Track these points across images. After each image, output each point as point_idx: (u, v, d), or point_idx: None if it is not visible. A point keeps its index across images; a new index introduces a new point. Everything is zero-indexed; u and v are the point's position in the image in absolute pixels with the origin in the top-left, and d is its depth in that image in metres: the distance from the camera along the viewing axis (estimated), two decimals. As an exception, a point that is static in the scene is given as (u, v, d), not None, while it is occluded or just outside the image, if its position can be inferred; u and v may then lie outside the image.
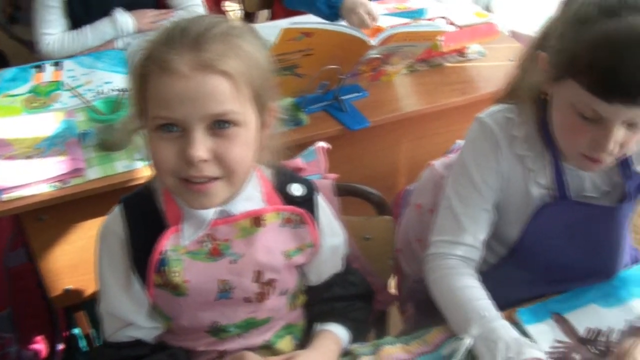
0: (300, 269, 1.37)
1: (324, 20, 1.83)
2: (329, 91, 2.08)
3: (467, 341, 1.26)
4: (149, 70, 1.08)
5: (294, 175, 1.35)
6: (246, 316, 1.29)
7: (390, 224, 1.57)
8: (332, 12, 2.42)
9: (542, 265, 1.45)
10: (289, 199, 1.29)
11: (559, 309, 1.39)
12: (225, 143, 1.09)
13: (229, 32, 1.10)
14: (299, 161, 1.59)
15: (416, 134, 2.27)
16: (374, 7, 2.35)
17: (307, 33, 1.76)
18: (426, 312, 1.46)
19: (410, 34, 1.91)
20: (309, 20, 2.13)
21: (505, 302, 1.40)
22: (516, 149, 1.38)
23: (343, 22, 2.28)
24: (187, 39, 1.06)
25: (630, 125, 1.21)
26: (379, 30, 2.08)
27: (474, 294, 1.35)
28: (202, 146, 1.06)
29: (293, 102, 2.07)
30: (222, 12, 3.16)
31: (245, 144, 1.12)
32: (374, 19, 2.32)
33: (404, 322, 1.78)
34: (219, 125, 1.08)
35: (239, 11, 3.08)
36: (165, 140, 1.08)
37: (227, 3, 3.48)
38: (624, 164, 1.39)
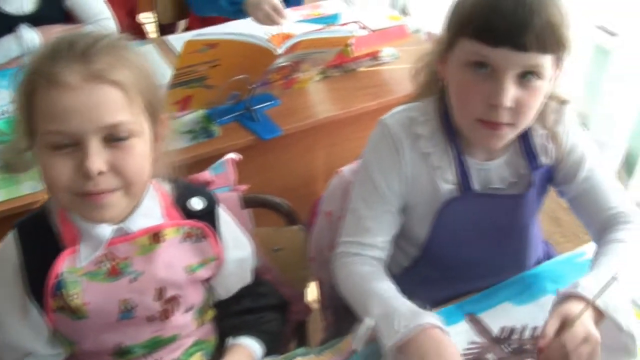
0: (207, 283, 1.35)
1: (228, 31, 1.81)
2: (240, 101, 2.07)
3: (368, 323, 1.25)
4: (36, 84, 1.05)
5: (193, 189, 1.33)
6: (151, 335, 1.27)
7: (301, 234, 1.56)
8: (235, 9, 2.42)
9: (453, 263, 1.46)
10: (189, 213, 1.28)
11: (473, 309, 1.40)
12: (122, 154, 1.09)
13: (116, 44, 1.11)
14: (207, 174, 1.58)
15: (331, 140, 2.26)
16: (279, 2, 2.35)
17: (212, 44, 1.74)
18: (345, 319, 1.45)
19: (317, 41, 1.91)
20: (213, 32, 2.12)
21: (422, 304, 1.41)
22: (421, 147, 1.38)
23: (250, 19, 2.31)
24: (75, 51, 1.05)
25: (523, 80, 1.22)
26: (288, 37, 2.08)
27: (375, 278, 1.36)
28: (98, 158, 1.06)
29: (204, 114, 2.05)
30: (137, 25, 3.11)
31: (142, 154, 1.12)
32: (280, 14, 2.32)
33: (324, 330, 1.77)
34: (114, 136, 1.07)
35: (154, 23, 3.03)
36: (58, 157, 1.06)
37: (142, 15, 3.43)
38: (530, 155, 1.41)
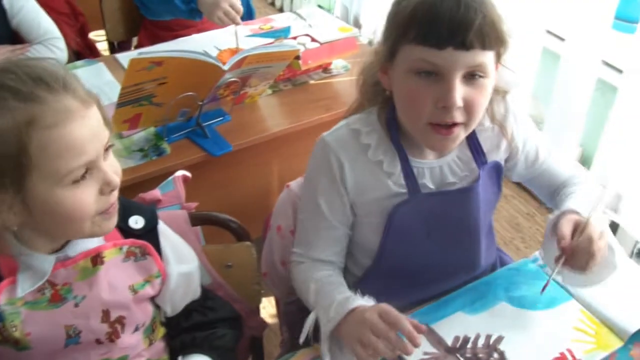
0: (154, 301, 1.34)
1: (174, 48, 1.80)
2: (191, 118, 2.06)
3: (311, 316, 1.31)
4: (34, 128, 1.02)
5: (133, 207, 1.32)
6: (100, 358, 1.25)
7: (251, 250, 1.55)
8: (190, 9, 2.42)
9: (406, 270, 1.46)
10: (129, 232, 1.27)
11: (426, 320, 1.39)
12: (113, 161, 1.16)
13: (59, 64, 1.13)
14: (157, 193, 1.57)
15: (286, 154, 2.26)
16: (237, 1, 2.35)
17: (157, 62, 1.73)
18: (300, 334, 1.45)
19: (263, 55, 1.90)
20: (158, 49, 2.11)
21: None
22: (370, 156, 1.38)
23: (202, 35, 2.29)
24: (55, 86, 1.05)
25: (470, 79, 1.24)
26: (238, 52, 2.07)
27: (323, 277, 1.41)
28: (112, 173, 1.12)
29: (155, 132, 2.04)
30: (90, 43, 3.08)
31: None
32: (239, 12, 2.33)
33: (280, 346, 1.77)
34: (107, 151, 1.13)
35: (106, 41, 3.01)
36: (80, 187, 1.08)
37: (95, 33, 3.41)
38: (476, 151, 1.42)
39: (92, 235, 1.17)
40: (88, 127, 1.07)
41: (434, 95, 1.23)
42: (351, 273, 1.53)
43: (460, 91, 1.22)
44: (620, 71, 2.52)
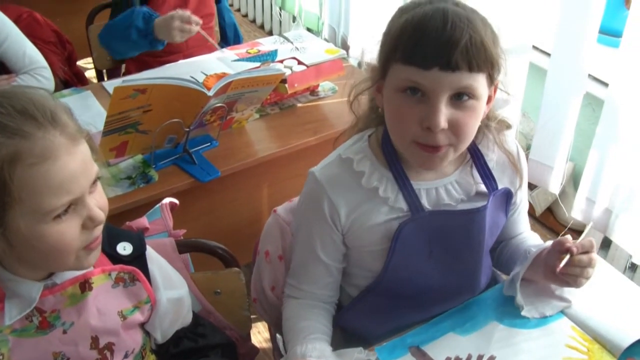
0: (144, 327, 1.33)
1: (158, 75, 1.80)
2: (178, 144, 2.06)
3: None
4: (16, 164, 1.01)
5: (121, 234, 1.32)
6: None
7: (239, 276, 1.55)
8: (150, 40, 2.45)
9: (407, 291, 1.44)
10: (117, 259, 1.27)
11: (417, 341, 1.39)
12: (98, 196, 1.14)
13: (53, 98, 1.10)
14: (144, 221, 1.57)
15: (276, 178, 2.26)
16: (185, 12, 2.40)
17: (141, 89, 1.72)
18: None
19: (248, 80, 1.90)
20: (141, 77, 2.11)
21: (374, 333, 1.43)
22: (365, 184, 1.37)
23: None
24: (42, 120, 1.04)
25: (457, 100, 1.22)
26: (224, 76, 2.07)
27: (304, 328, 1.41)
28: (96, 209, 1.10)
29: (142, 159, 2.03)
30: (78, 71, 3.09)
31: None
32: (191, 21, 2.37)
33: (273, 371, 1.76)
34: (93, 185, 1.12)
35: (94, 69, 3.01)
36: (63, 223, 1.07)
37: (83, 61, 3.42)
38: (486, 178, 1.41)
39: (75, 268, 1.16)
40: (74, 165, 1.05)
41: (419, 114, 1.23)
42: (346, 292, 1.53)
43: (445, 113, 1.21)
44: (606, 84, 2.53)
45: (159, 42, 2.48)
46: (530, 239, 1.58)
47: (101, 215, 1.11)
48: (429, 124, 1.22)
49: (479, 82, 1.22)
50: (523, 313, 1.43)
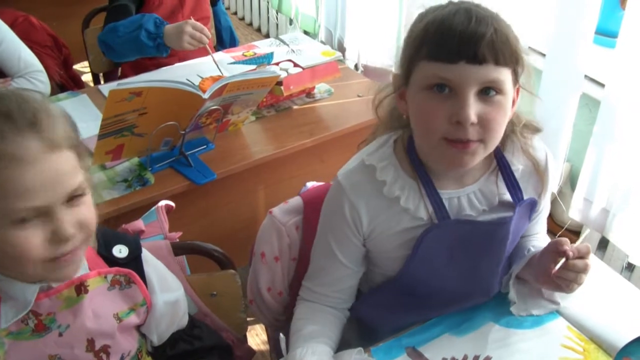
0: (140, 330, 1.33)
1: (154, 78, 1.80)
2: (174, 147, 2.06)
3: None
4: None
5: (116, 237, 1.31)
6: None
7: (235, 278, 1.55)
8: (157, 44, 2.43)
9: (423, 291, 1.43)
10: (113, 261, 1.27)
11: (413, 342, 1.39)
12: (85, 210, 1.10)
13: (45, 103, 1.09)
14: (140, 223, 1.57)
15: (272, 180, 2.26)
16: (197, 22, 2.38)
17: (137, 92, 1.72)
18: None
19: (243, 83, 1.90)
20: (137, 80, 2.11)
21: (386, 326, 1.44)
22: (386, 193, 1.35)
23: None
24: (23, 122, 1.02)
25: (485, 95, 1.22)
26: (219, 79, 2.07)
27: (310, 323, 1.42)
28: (69, 222, 1.06)
29: (138, 162, 2.03)
30: (75, 75, 3.09)
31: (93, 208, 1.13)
32: (203, 32, 2.37)
33: (271, 373, 1.76)
34: (74, 196, 1.08)
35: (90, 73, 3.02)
36: (26, 230, 1.04)
37: (81, 64, 3.42)
38: (512, 187, 1.39)
39: (45, 280, 1.14)
40: (45, 172, 1.02)
41: (447, 110, 1.21)
42: (365, 281, 1.52)
43: (474, 107, 1.20)
44: (602, 85, 2.53)
45: (165, 48, 2.48)
46: (538, 240, 1.54)
47: (69, 232, 1.06)
48: (458, 118, 1.20)
49: (505, 76, 1.22)
50: (512, 309, 1.44)
